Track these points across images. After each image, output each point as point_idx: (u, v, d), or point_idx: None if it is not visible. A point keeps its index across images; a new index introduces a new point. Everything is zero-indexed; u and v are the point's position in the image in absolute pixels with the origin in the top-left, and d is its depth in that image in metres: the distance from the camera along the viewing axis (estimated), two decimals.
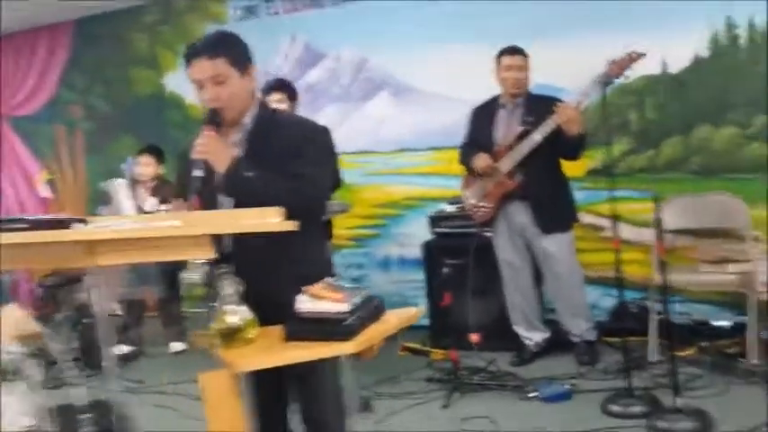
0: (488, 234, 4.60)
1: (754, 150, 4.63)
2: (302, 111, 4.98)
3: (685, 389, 3.85)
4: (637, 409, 3.69)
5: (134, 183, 5.62)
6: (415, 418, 3.92)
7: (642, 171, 4.97)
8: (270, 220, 1.90)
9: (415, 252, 5.28)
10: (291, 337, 1.87)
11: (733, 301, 4.71)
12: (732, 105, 4.67)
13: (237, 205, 2.26)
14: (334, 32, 5.81)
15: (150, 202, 5.49)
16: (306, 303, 1.88)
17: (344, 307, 1.84)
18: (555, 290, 4.51)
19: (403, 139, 5.68)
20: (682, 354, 4.44)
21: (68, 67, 7.22)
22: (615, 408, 3.75)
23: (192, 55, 2.29)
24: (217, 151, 2.22)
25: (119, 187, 5.43)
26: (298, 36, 6.00)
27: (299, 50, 5.99)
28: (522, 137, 4.26)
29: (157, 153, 5.66)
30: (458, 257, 4.73)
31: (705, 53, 4.68)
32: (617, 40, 4.70)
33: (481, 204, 4.41)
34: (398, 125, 5.68)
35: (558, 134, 4.14)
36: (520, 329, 4.65)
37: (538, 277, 4.62)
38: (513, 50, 4.39)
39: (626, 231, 5.06)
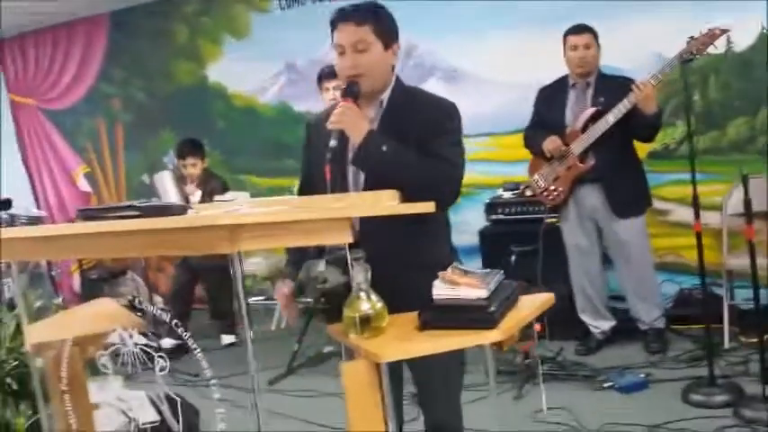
0: (551, 220, 4.49)
1: None
2: None
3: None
4: (720, 398, 3.60)
5: (180, 176, 5.52)
6: (486, 411, 3.82)
7: (706, 152, 4.83)
8: (386, 203, 1.82)
9: (473, 240, 5.18)
10: (428, 325, 1.78)
11: None
12: None
13: (368, 180, 2.21)
14: None
15: (197, 195, 5.41)
16: (442, 290, 1.78)
17: (483, 293, 1.74)
18: (626, 276, 4.40)
19: None
20: (755, 341, 4.32)
21: (106, 59, 7.16)
22: (697, 397, 3.65)
23: (339, 19, 2.24)
24: (354, 122, 2.16)
25: (165, 179, 5.34)
26: None
27: None
28: (594, 118, 4.15)
29: (200, 148, 5.57)
30: (523, 244, 4.61)
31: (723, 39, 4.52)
32: (676, 18, 4.65)
33: (552, 188, 4.30)
34: None
35: (632, 114, 4.02)
36: (586, 317, 4.54)
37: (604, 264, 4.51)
38: (580, 29, 4.28)
39: (687, 215, 4.95)
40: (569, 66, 4.35)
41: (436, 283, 1.83)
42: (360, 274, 1.74)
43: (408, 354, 1.74)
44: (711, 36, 3.83)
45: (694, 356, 4.25)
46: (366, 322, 1.72)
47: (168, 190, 5.20)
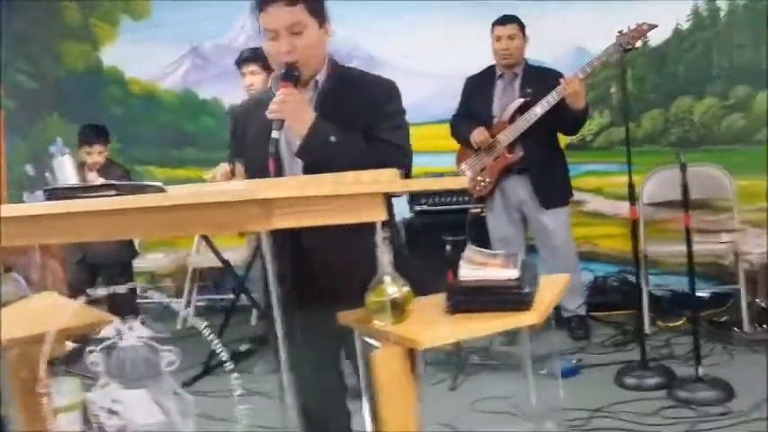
0: (475, 210, 4.46)
1: (735, 121, 4.70)
2: None
3: (689, 359, 3.86)
4: (653, 380, 3.66)
5: (80, 164, 5.09)
6: (422, 402, 3.74)
7: (621, 144, 4.94)
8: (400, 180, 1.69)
9: None
10: (458, 308, 1.65)
11: (709, 272, 4.78)
12: (712, 77, 4.71)
13: (307, 171, 2.04)
14: None
15: (99, 183, 5.02)
16: (468, 271, 1.66)
17: (514, 273, 1.64)
18: (551, 265, 4.42)
19: None
20: (674, 324, 4.47)
21: None
22: (631, 380, 3.71)
23: (267, 1, 2.01)
24: (296, 111, 1.98)
25: (65, 164, 4.91)
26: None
27: (256, 21, 5.63)
28: (521, 109, 4.14)
29: (105, 135, 5.17)
30: (450, 234, 4.55)
31: (685, 25, 4.70)
32: (596, 13, 4.76)
33: (479, 178, 4.27)
34: None
35: (559, 108, 4.05)
36: None
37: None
38: (505, 19, 4.29)
39: (602, 205, 5.09)
40: (495, 56, 4.34)
41: (461, 263, 1.71)
42: (385, 256, 1.59)
43: (450, 338, 1.62)
44: (640, 31, 3.92)
45: (617, 341, 4.34)
46: (395, 307, 1.57)
47: (69, 177, 4.79)
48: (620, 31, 3.93)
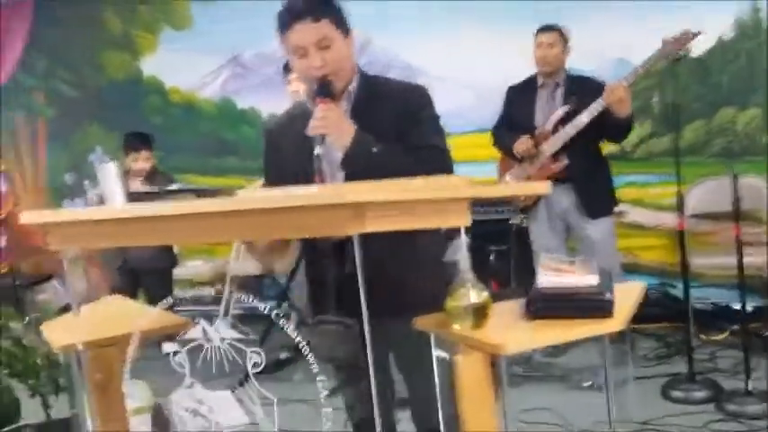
0: (518, 220, 4.46)
1: None
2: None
3: (736, 372, 3.82)
4: (700, 394, 3.63)
5: (124, 172, 5.15)
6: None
7: (662, 155, 4.93)
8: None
9: None
10: (538, 315, 1.66)
11: (751, 285, 4.71)
12: (755, 88, 4.68)
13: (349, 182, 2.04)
14: None
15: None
16: (548, 278, 1.67)
17: (594, 279, 1.64)
18: None
19: None
20: (717, 338, 4.43)
21: (27, 48, 6.66)
22: (678, 393, 3.69)
23: (293, 18, 2.03)
24: (338, 124, 2.00)
25: (108, 171, 4.95)
26: None
27: None
28: (565, 119, 4.13)
29: (150, 142, 5.23)
30: (493, 243, 4.55)
31: (729, 35, 4.67)
32: (637, 23, 4.74)
33: None
34: None
35: (603, 116, 4.03)
36: None
37: None
38: (546, 28, 4.29)
39: (642, 216, 5.06)
40: (536, 65, 4.34)
41: (539, 270, 1.72)
42: (464, 261, 1.60)
43: (535, 343, 1.62)
44: (686, 38, 3.89)
45: (661, 354, 4.30)
46: (476, 312, 1.58)
47: (113, 186, 4.84)
48: (664, 39, 3.92)
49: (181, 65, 6.03)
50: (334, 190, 1.47)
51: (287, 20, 2.05)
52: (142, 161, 5.08)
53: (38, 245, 6.76)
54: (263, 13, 5.62)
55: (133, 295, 5.29)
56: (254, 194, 1.88)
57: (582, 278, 1.67)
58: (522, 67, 4.38)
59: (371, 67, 5.51)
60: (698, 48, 4.70)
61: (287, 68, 4.42)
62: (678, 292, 4.63)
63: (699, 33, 3.90)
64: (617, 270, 4.41)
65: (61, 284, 6.49)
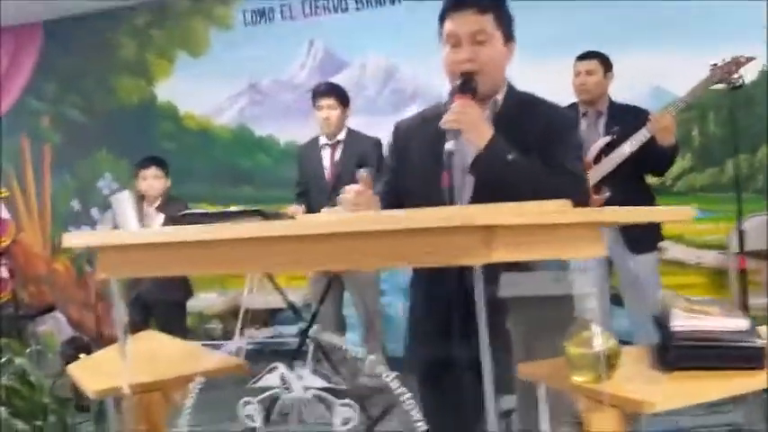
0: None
1: None
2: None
3: None
4: None
5: (139, 199, 4.90)
6: None
7: (704, 189, 4.72)
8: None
9: None
10: (675, 365, 1.42)
11: None
12: None
13: (477, 189, 1.91)
14: (359, 38, 5.36)
15: (159, 221, 4.83)
16: (684, 321, 1.43)
17: (743, 323, 1.40)
18: (637, 314, 4.15)
19: None
20: None
21: (36, 73, 6.46)
22: None
23: (455, 6, 1.98)
24: (476, 122, 1.86)
25: (123, 200, 4.70)
26: (317, 42, 5.52)
27: (318, 57, 5.52)
28: (608, 148, 3.93)
29: (164, 165, 5.00)
30: None
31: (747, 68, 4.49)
32: (675, 52, 4.58)
33: None
34: None
35: (647, 146, 3.83)
36: None
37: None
38: (585, 55, 4.12)
39: (683, 253, 4.84)
40: (575, 92, 4.16)
41: (675, 312, 1.48)
42: (589, 300, 1.36)
43: (687, 401, 1.39)
44: (736, 63, 3.74)
45: (713, 402, 4.03)
46: (605, 361, 1.34)
47: (128, 214, 4.59)
48: (714, 64, 3.75)
49: (196, 91, 5.83)
50: (457, 211, 1.24)
51: (450, 6, 2.00)
52: (151, 179, 4.83)
53: (40, 274, 6.52)
54: (280, 40, 5.57)
55: (145, 328, 5.03)
56: (344, 216, 1.63)
57: (728, 320, 1.43)
58: (563, 96, 4.20)
59: (395, 96, 5.42)
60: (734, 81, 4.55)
61: (317, 95, 4.27)
62: None
63: (751, 59, 3.74)
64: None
65: (63, 315, 6.22)
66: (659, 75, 4.59)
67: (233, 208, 1.80)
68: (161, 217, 4.83)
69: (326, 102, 4.21)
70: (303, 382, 1.28)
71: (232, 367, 1.47)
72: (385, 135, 5.09)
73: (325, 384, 1.30)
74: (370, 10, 5.30)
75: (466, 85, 1.92)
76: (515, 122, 1.95)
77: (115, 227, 4.76)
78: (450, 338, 1.85)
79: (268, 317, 5.79)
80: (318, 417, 1.26)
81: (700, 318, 1.45)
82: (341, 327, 4.51)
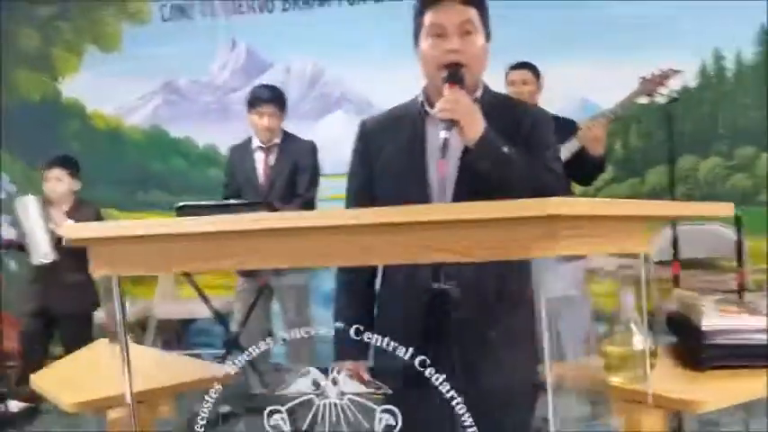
0: None
1: (739, 181, 4.67)
2: (242, 127, 4.38)
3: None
4: None
5: (45, 203, 4.53)
6: None
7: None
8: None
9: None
10: (709, 364, 1.38)
11: None
12: (718, 136, 4.70)
13: (462, 181, 1.86)
14: (285, 39, 5.21)
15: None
16: (717, 320, 1.40)
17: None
18: (565, 321, 4.20)
19: None
20: None
21: None
22: None
23: None
24: (471, 112, 1.79)
25: (29, 205, 4.36)
26: (239, 41, 5.33)
27: (240, 58, 5.32)
28: None
29: (71, 165, 4.66)
30: None
31: (693, 83, 4.68)
32: (601, 65, 4.70)
33: None
34: None
35: (577, 156, 3.89)
36: None
37: None
38: (519, 65, 4.15)
39: (601, 261, 4.94)
40: None
41: (707, 312, 1.45)
42: (629, 298, 1.31)
43: (734, 400, 1.34)
44: (665, 76, 3.85)
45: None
46: (644, 361, 1.29)
47: (33, 220, 4.25)
48: (643, 77, 3.86)
49: (106, 88, 5.49)
50: (520, 203, 1.16)
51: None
52: (54, 180, 4.49)
53: None
54: (200, 38, 5.35)
55: (47, 341, 4.68)
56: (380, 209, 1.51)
57: (757, 319, 1.41)
58: None
59: (320, 101, 5.30)
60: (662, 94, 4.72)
61: (255, 101, 4.10)
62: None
63: (679, 72, 3.88)
64: (588, 317, 4.26)
65: None
66: (585, 87, 4.68)
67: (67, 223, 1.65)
68: (70, 223, 4.50)
69: (268, 109, 4.04)
70: (339, 386, 1.16)
71: (221, 377, 1.33)
72: (310, 139, 4.96)
73: (363, 389, 1.18)
74: (297, 11, 5.16)
75: (455, 75, 1.86)
76: (498, 120, 1.89)
77: (21, 233, 4.47)
78: (427, 344, 1.76)
79: (180, 328, 5.53)
80: (355, 425, 1.14)
81: (731, 316, 1.44)
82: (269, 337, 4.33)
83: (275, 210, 1.32)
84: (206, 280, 4.71)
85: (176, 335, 5.45)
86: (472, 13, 1.89)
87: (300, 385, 1.21)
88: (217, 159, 5.34)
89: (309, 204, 4.05)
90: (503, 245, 1.15)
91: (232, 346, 4.09)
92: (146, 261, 1.28)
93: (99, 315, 4.85)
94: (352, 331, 1.30)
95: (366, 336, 1.29)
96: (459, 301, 1.77)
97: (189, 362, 1.46)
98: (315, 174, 4.17)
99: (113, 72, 5.49)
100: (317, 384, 1.20)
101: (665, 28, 4.66)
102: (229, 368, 1.41)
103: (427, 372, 1.25)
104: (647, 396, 1.27)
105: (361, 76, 5.07)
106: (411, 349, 1.28)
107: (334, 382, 1.21)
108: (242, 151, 4.24)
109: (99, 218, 4.61)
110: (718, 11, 4.56)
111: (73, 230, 1.37)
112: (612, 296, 4.84)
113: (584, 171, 3.98)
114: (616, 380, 1.33)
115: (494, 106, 1.93)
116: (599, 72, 4.63)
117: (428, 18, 1.91)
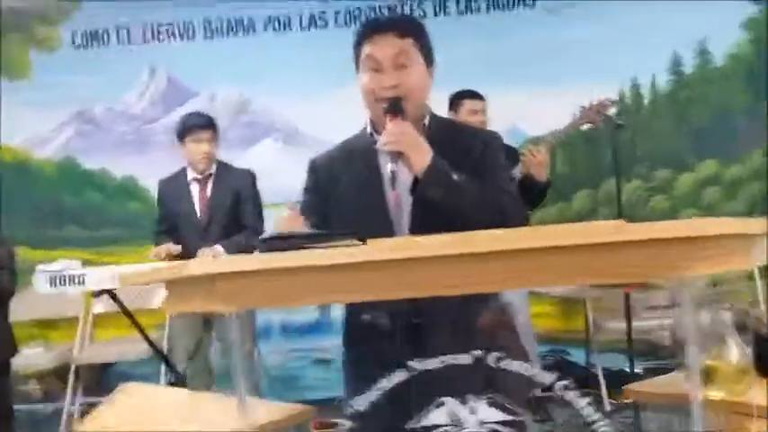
0: None
1: (659, 203, 4.91)
2: (163, 158, 4.26)
3: None
4: None
5: None
6: None
7: (552, 223, 4.99)
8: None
9: (304, 318, 4.75)
10: None
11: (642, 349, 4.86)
12: (637, 160, 4.93)
13: (417, 211, 1.86)
14: (208, 67, 5.07)
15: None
16: None
17: None
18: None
19: (291, 192, 5.06)
20: (630, 400, 4.45)
21: None
22: None
23: (374, 29, 1.93)
24: (416, 142, 1.80)
25: None
26: (159, 70, 5.14)
27: (160, 86, 5.13)
28: None
29: None
30: None
31: (612, 111, 4.89)
32: (531, 94, 4.84)
33: None
34: (285, 176, 5.06)
35: (522, 182, 3.98)
36: None
37: None
38: (473, 94, 4.20)
39: None
40: None
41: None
42: (726, 313, 1.33)
43: None
44: (603, 106, 4.01)
45: (582, 422, 4.21)
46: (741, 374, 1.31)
47: None
48: (582, 107, 4.00)
49: (14, 119, 5.15)
50: (650, 226, 1.16)
51: (367, 30, 1.94)
52: None
53: None
54: (115, 65, 5.13)
55: None
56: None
57: None
58: None
59: (252, 128, 5.19)
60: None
61: (191, 128, 3.97)
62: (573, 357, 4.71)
63: (616, 101, 4.06)
64: (532, 335, 4.35)
65: None
66: (515, 114, 4.80)
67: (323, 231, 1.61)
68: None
69: (206, 135, 3.91)
70: (478, 415, 1.11)
71: (306, 414, 1.25)
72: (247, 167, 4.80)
73: (504, 417, 1.14)
74: (219, 39, 5.04)
75: (395, 107, 1.86)
76: (447, 146, 1.90)
77: None
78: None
79: (99, 374, 5.22)
80: None
81: None
82: (211, 378, 4.15)
83: (363, 241, 1.29)
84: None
85: (95, 381, 5.14)
86: (409, 43, 1.90)
87: (435, 418, 1.16)
88: (137, 192, 5.12)
89: (258, 235, 3.93)
90: (643, 264, 1.17)
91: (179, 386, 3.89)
92: (262, 295, 1.22)
93: (17, 362, 4.53)
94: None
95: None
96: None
97: (266, 404, 1.36)
98: (258, 203, 4.06)
99: (21, 102, 5.16)
100: (453, 415, 1.15)
101: (583, 57, 4.86)
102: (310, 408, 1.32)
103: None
104: (754, 408, 1.30)
105: (289, 103, 5.01)
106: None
107: (473, 412, 1.16)
108: (175, 184, 4.07)
109: (12, 258, 4.30)
110: (632, 40, 4.82)
111: (199, 267, 1.28)
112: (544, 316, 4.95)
113: (530, 196, 4.06)
114: (718, 394, 1.35)
115: (442, 132, 1.96)
116: (529, 100, 4.77)
117: (365, 50, 1.92)
